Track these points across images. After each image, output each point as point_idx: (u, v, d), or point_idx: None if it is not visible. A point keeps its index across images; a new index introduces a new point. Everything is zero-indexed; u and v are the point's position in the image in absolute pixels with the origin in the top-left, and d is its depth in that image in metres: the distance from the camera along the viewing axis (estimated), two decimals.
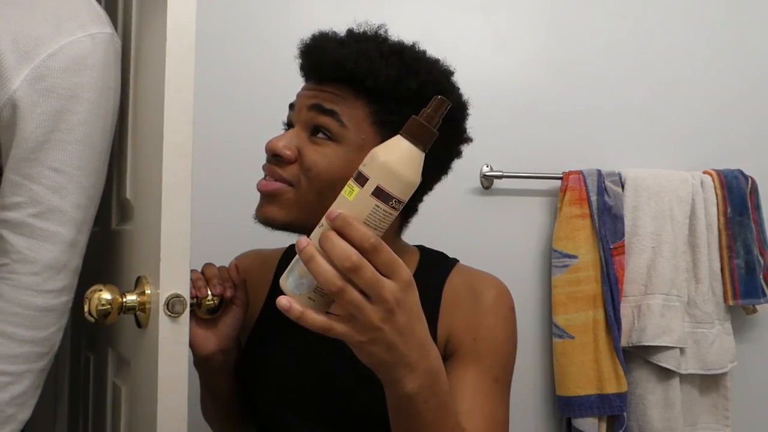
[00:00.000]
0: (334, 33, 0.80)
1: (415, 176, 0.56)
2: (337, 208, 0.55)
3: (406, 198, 0.56)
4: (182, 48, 0.63)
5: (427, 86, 0.75)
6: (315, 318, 0.54)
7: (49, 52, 0.64)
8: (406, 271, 0.55)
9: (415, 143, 0.56)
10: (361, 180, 0.55)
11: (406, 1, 1.44)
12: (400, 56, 0.75)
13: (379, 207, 0.54)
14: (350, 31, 0.80)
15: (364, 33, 0.79)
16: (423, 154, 0.56)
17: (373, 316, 0.53)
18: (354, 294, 0.53)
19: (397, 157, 0.55)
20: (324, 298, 0.57)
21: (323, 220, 0.56)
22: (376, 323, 0.54)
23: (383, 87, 0.73)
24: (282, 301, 0.54)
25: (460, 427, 0.65)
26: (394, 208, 0.55)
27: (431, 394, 0.60)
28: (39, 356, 0.67)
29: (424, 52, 0.80)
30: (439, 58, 0.80)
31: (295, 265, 0.58)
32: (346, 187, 0.56)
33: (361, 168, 0.56)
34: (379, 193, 0.54)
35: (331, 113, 0.74)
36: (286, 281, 0.58)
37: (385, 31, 0.80)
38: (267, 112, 1.01)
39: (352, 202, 0.55)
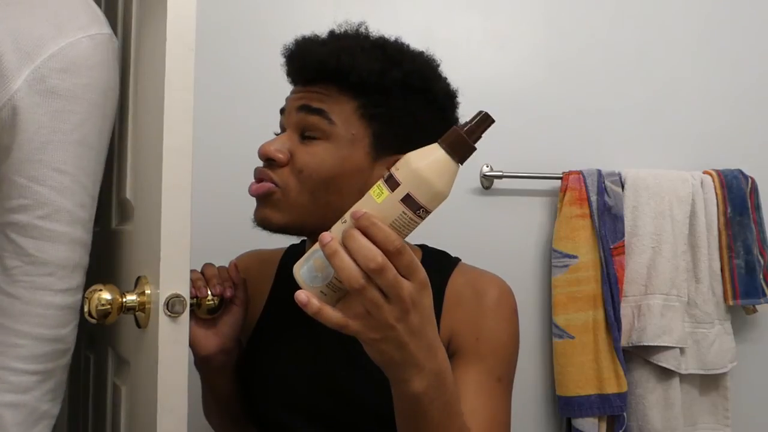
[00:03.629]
0: (316, 35, 0.81)
1: (446, 188, 0.55)
2: (362, 207, 0.55)
3: (433, 208, 0.55)
4: (182, 48, 0.63)
5: (411, 76, 0.75)
6: (332, 314, 0.55)
7: (50, 53, 0.64)
8: (423, 273, 0.56)
9: (451, 154, 0.55)
10: (392, 184, 0.54)
11: (406, 1, 1.44)
12: (382, 49, 0.76)
13: (405, 214, 0.54)
14: (332, 32, 0.81)
15: (345, 31, 0.80)
16: (458, 167, 0.55)
17: (389, 315, 0.54)
18: (374, 292, 0.53)
19: (431, 167, 0.54)
20: (336, 293, 0.57)
21: (347, 216, 0.56)
22: (391, 322, 0.54)
23: (367, 80, 0.73)
24: (300, 295, 0.55)
25: (465, 428, 0.65)
26: (420, 216, 0.55)
27: (438, 394, 0.60)
28: (63, 353, 0.69)
29: (406, 45, 0.80)
30: (423, 49, 0.81)
31: (312, 256, 0.57)
32: (375, 187, 0.56)
33: (393, 171, 0.55)
34: (408, 201, 0.54)
35: (319, 112, 0.75)
36: (300, 271, 0.58)
37: (366, 29, 0.80)
38: (267, 112, 1.01)
39: (379, 205, 0.54)
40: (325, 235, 0.55)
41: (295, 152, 0.75)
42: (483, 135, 0.56)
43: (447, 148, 0.55)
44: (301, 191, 0.74)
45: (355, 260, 0.53)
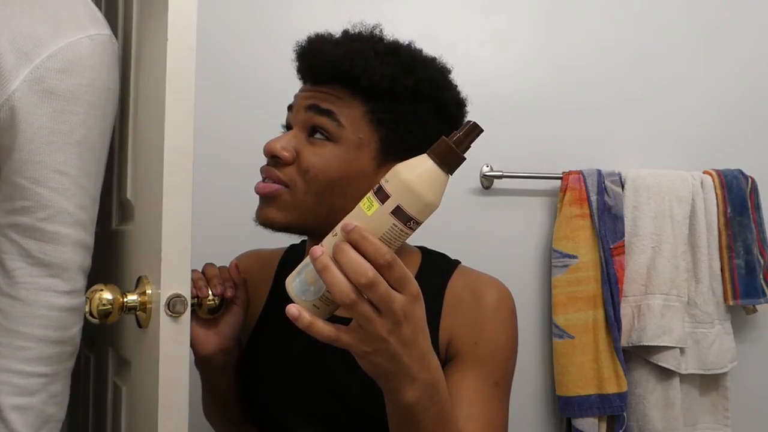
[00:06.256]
0: (330, 34, 0.80)
1: (436, 198, 0.55)
2: (353, 220, 0.55)
3: (424, 219, 0.55)
4: (183, 49, 0.63)
5: (422, 83, 0.75)
6: (323, 328, 0.55)
7: (49, 53, 0.64)
8: (415, 285, 0.56)
9: (440, 165, 0.55)
10: (382, 196, 0.54)
11: (406, 1, 1.44)
12: (395, 55, 0.75)
13: (396, 226, 0.54)
14: (345, 32, 0.80)
15: (359, 33, 0.79)
16: (448, 177, 0.55)
17: (381, 328, 0.54)
18: (365, 307, 0.53)
19: (420, 178, 0.54)
20: (329, 306, 0.57)
21: (337, 230, 0.55)
22: (383, 335, 0.54)
23: (379, 85, 0.73)
24: (291, 309, 0.55)
25: None
26: (411, 228, 0.55)
27: (431, 404, 0.60)
28: (69, 355, 0.68)
29: (420, 51, 0.80)
30: (436, 56, 0.81)
31: (303, 270, 0.57)
32: (364, 199, 0.55)
33: (382, 183, 0.55)
34: (399, 213, 0.54)
35: (328, 113, 0.74)
36: (292, 284, 0.58)
37: (380, 31, 0.80)
38: (267, 112, 1.01)
39: (369, 217, 0.54)
40: (316, 250, 0.54)
41: (302, 151, 0.75)
42: (471, 145, 0.56)
43: (436, 159, 0.55)
44: (307, 192, 0.74)
45: (345, 275, 0.52)
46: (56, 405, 0.67)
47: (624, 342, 1.35)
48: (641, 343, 1.33)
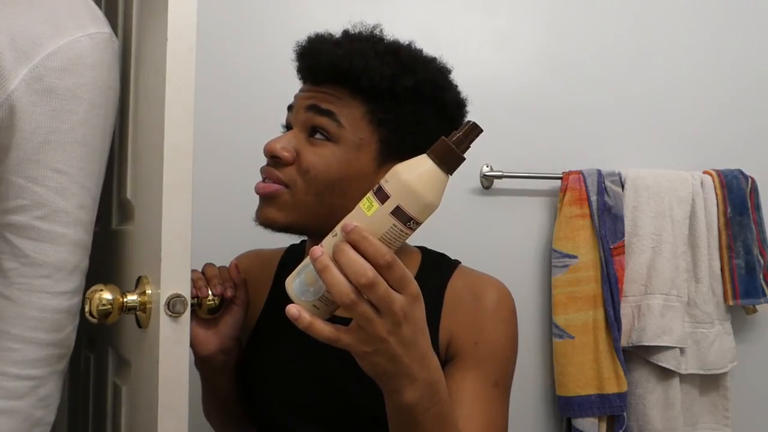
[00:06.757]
0: (330, 34, 0.80)
1: (436, 199, 0.55)
2: (353, 220, 0.55)
3: (424, 219, 0.55)
4: (183, 48, 0.63)
5: (423, 84, 0.75)
6: (323, 328, 0.55)
7: (48, 52, 0.63)
8: (415, 285, 0.56)
9: (440, 165, 0.55)
10: (382, 196, 0.54)
11: (406, 1, 1.44)
12: (395, 55, 0.75)
13: (396, 226, 0.54)
14: (346, 32, 0.80)
15: (360, 33, 0.79)
16: (447, 177, 0.55)
17: (381, 329, 0.54)
18: (365, 307, 0.53)
19: (420, 178, 0.54)
20: (329, 306, 0.57)
21: (337, 230, 0.55)
22: (383, 335, 0.54)
23: (379, 86, 0.73)
24: (291, 309, 0.55)
25: None
26: (410, 228, 0.55)
27: (430, 404, 0.60)
28: (59, 358, 0.68)
29: (420, 51, 0.80)
30: (436, 56, 0.81)
31: (303, 270, 0.57)
32: (364, 200, 0.55)
33: (382, 183, 0.55)
34: (399, 213, 0.54)
35: (328, 114, 0.74)
36: (292, 285, 0.58)
37: (381, 31, 0.80)
38: (267, 112, 1.01)
39: (369, 218, 0.54)
40: (316, 250, 0.54)
41: (302, 152, 0.75)
42: (471, 145, 0.56)
43: (436, 159, 0.55)
44: (307, 192, 0.74)
45: (345, 275, 0.53)
46: (45, 408, 0.66)
47: (624, 342, 1.35)
48: (641, 343, 1.33)
